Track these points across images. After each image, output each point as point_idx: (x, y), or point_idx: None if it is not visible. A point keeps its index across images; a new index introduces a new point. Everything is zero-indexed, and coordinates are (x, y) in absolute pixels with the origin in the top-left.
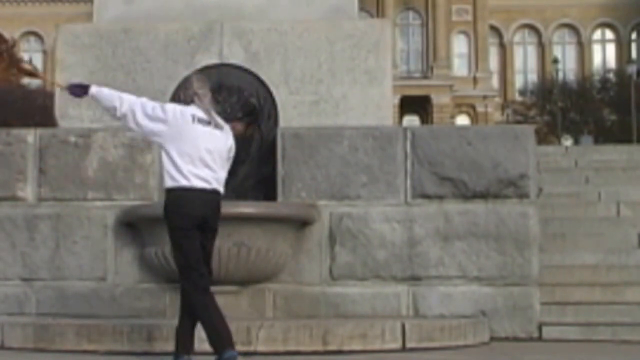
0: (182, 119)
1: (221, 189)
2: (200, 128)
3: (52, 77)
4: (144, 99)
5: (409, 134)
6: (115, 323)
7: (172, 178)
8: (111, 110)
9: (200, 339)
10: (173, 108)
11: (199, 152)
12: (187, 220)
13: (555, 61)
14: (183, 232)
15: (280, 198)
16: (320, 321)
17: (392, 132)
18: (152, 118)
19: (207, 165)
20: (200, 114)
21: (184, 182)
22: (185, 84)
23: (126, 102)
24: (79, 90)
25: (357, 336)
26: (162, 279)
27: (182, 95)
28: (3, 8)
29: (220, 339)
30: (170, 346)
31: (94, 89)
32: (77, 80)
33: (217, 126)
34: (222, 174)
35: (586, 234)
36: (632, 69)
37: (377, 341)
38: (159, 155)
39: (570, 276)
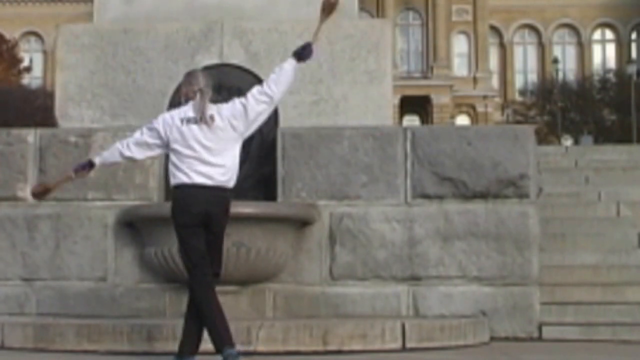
0: (172, 124)
1: (227, 183)
2: (193, 127)
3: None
4: (137, 133)
5: (409, 134)
6: (115, 323)
7: (174, 176)
8: (122, 160)
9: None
10: (162, 118)
11: (195, 151)
12: (188, 217)
13: (555, 61)
14: (184, 230)
15: (280, 198)
16: (320, 321)
17: (392, 132)
18: (140, 143)
19: (205, 162)
20: (191, 113)
21: (184, 179)
22: (190, 79)
23: (124, 146)
24: (82, 168)
25: (357, 336)
26: (162, 279)
27: (184, 89)
28: (3, 8)
29: (220, 337)
30: (171, 346)
31: (96, 160)
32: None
33: (208, 120)
34: (229, 162)
35: (586, 234)
36: (632, 69)
37: (377, 341)
38: (159, 156)
39: (570, 276)
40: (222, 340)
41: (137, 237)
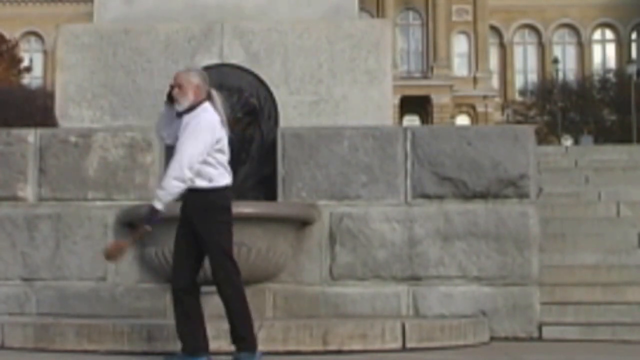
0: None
1: (193, 183)
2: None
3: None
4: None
5: (409, 134)
6: (116, 323)
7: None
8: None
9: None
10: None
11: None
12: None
13: (555, 61)
14: (177, 230)
15: (280, 198)
16: (320, 321)
17: (392, 132)
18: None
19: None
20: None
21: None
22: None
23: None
24: (155, 218)
25: (357, 336)
26: (163, 279)
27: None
28: (3, 8)
29: (183, 342)
30: (171, 346)
31: (158, 206)
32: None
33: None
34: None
35: (586, 234)
36: (632, 69)
37: (377, 341)
38: (159, 156)
39: (570, 276)
40: (183, 346)
41: None
